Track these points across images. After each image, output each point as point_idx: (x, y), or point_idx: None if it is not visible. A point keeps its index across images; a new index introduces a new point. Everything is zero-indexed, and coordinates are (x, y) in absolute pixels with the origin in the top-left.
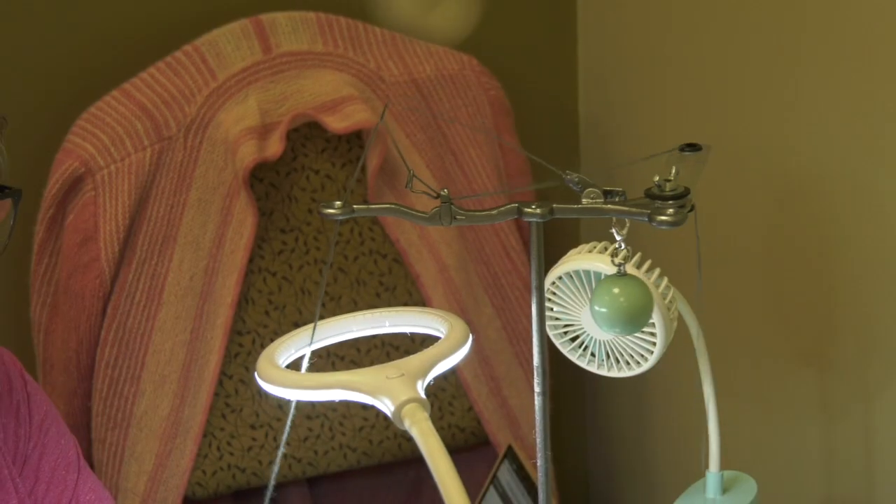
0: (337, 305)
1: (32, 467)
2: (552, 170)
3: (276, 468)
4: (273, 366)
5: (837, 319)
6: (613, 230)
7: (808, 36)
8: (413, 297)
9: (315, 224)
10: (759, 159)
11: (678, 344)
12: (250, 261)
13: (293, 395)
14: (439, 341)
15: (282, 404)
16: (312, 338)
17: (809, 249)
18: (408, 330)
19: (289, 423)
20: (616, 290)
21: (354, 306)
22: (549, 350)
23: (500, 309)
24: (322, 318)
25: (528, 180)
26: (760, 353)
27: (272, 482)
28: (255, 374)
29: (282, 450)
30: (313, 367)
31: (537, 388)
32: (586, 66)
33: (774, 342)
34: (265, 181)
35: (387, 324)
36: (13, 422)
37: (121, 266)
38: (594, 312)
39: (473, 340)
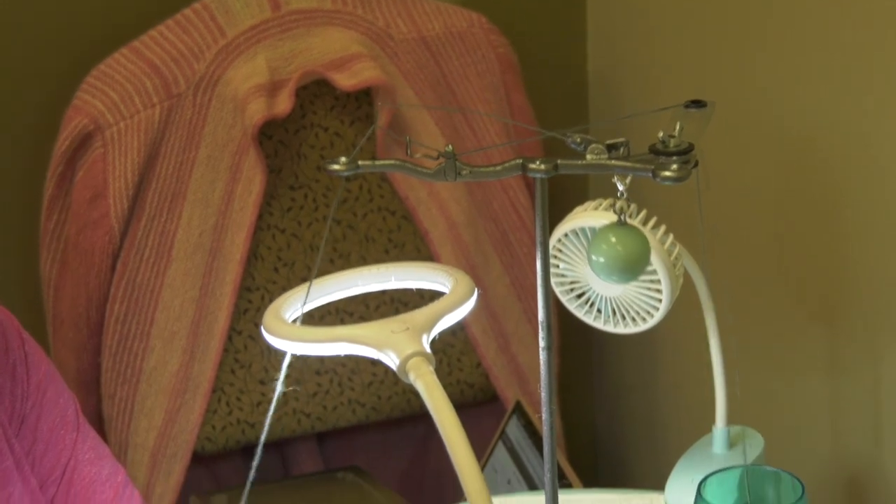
0: (346, 262)
1: (30, 427)
2: (551, 133)
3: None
4: (279, 320)
5: (846, 276)
6: (616, 180)
7: None
8: (422, 253)
9: (324, 181)
10: (769, 117)
11: (685, 300)
12: (259, 218)
13: (299, 348)
14: (444, 296)
15: (291, 360)
16: (309, 292)
17: (818, 206)
18: (413, 285)
19: (282, 374)
20: (613, 239)
21: (363, 263)
22: (557, 307)
23: (509, 266)
24: (330, 274)
25: (537, 139)
26: (768, 310)
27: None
28: (262, 328)
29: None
30: (321, 322)
31: (542, 343)
32: (595, 22)
33: (782, 298)
34: (274, 138)
35: (392, 278)
36: (9, 382)
37: (130, 223)
38: (591, 262)
39: (482, 297)
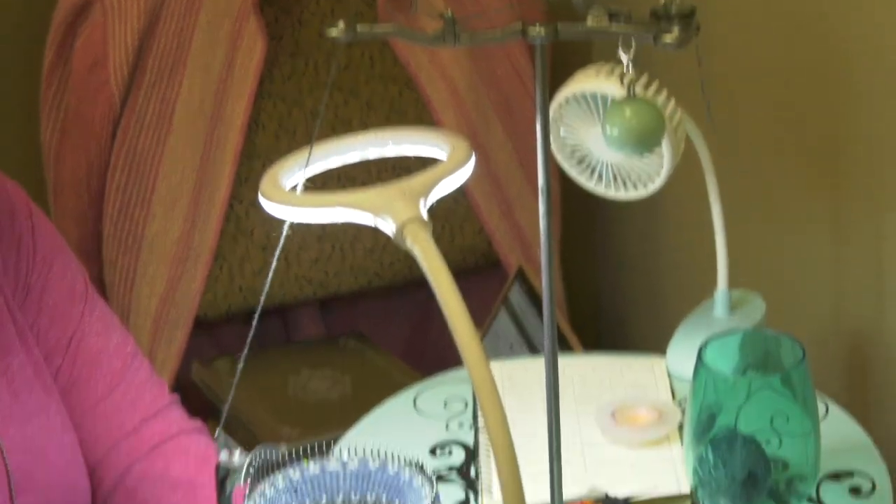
0: (347, 129)
1: (34, 300)
2: None
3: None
4: (276, 186)
5: (848, 138)
6: (620, 51)
7: None
8: (424, 121)
9: (325, 49)
10: None
11: (688, 165)
12: (260, 85)
13: (295, 215)
14: (441, 161)
15: (292, 227)
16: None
17: (822, 67)
18: (410, 151)
19: (281, 242)
20: (628, 113)
21: (364, 130)
22: (559, 173)
23: (512, 133)
24: (326, 140)
25: (540, 5)
26: (770, 174)
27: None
28: (259, 194)
29: (272, 268)
30: (323, 189)
31: (542, 209)
32: None
33: (784, 162)
34: (275, 6)
35: (389, 144)
36: (14, 254)
37: (130, 90)
38: (606, 135)
39: (484, 163)
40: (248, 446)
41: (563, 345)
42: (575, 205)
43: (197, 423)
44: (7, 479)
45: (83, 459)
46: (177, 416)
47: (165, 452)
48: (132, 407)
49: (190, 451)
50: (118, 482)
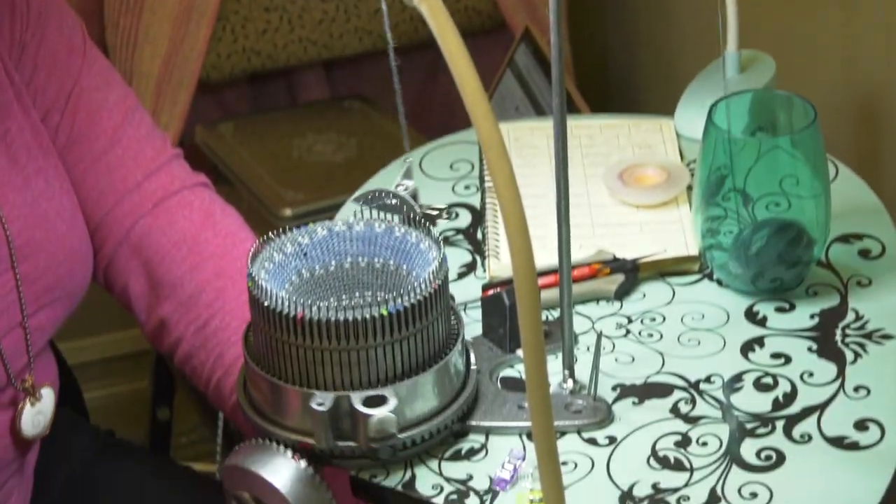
0: None
1: (30, 56)
2: None
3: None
4: None
5: None
6: None
7: None
8: None
9: None
10: None
11: None
12: None
13: None
14: None
15: None
16: None
17: None
18: None
19: None
20: None
21: None
22: None
23: None
24: None
25: None
26: None
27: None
28: None
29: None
30: None
31: None
32: None
33: None
34: None
35: None
36: (8, 12)
37: None
38: None
39: None
40: (251, 210)
41: (570, 106)
42: None
43: (201, 177)
44: (7, 246)
45: (86, 222)
46: (180, 171)
47: (169, 207)
48: (134, 161)
49: (194, 205)
50: (122, 240)
